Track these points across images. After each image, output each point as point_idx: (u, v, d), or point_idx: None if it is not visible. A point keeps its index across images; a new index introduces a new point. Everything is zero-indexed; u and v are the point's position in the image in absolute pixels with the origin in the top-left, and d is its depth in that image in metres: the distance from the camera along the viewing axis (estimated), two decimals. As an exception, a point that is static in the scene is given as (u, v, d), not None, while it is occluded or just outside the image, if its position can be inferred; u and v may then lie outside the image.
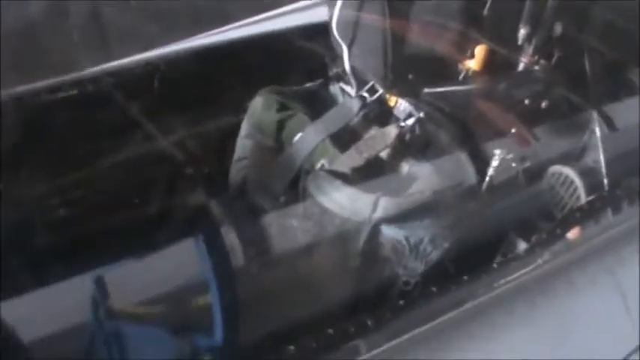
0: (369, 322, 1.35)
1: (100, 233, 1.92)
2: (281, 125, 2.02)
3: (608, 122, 1.99)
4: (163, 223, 2.04)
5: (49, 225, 1.94)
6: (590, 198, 1.78)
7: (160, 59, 2.21)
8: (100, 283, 1.65)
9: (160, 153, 2.14)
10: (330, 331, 1.32)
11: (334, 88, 2.09)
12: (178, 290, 1.68)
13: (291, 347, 1.28)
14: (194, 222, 2.01)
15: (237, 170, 2.11)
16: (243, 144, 2.10)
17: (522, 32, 1.82)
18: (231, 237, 1.78)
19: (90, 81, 2.12)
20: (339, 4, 1.80)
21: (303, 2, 2.65)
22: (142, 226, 1.94)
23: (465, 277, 1.48)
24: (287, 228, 1.80)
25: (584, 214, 1.70)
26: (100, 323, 1.62)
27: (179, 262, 1.74)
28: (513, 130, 1.86)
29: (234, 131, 2.13)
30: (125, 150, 2.10)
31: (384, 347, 1.33)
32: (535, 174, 1.89)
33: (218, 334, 1.63)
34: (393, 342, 1.35)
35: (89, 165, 2.03)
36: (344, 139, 1.89)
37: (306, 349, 1.29)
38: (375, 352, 1.32)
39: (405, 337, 1.36)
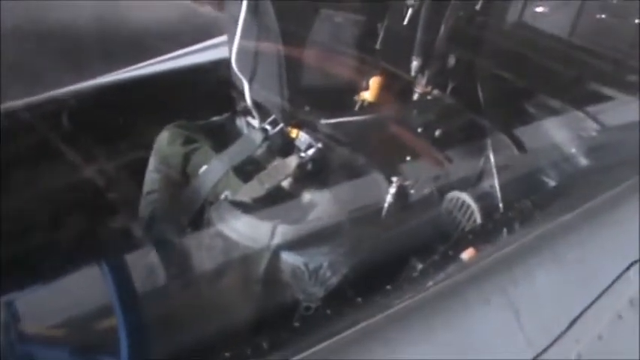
0: (264, 344, 1.37)
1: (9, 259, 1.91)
2: (187, 158, 2.05)
3: (503, 148, 2.06)
4: (72, 249, 2.04)
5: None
6: (483, 220, 1.84)
7: (68, 95, 2.23)
8: (10, 308, 1.65)
9: (68, 184, 2.14)
10: (227, 354, 1.34)
11: (240, 122, 2.14)
12: (85, 313, 1.69)
13: None
14: (101, 249, 2.02)
15: (147, 203, 2.13)
16: (151, 178, 2.12)
17: (415, 64, 1.88)
18: (142, 263, 1.79)
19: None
20: (236, 40, 1.84)
21: (208, 42, 2.69)
22: (52, 253, 1.94)
23: (360, 300, 1.52)
24: (191, 257, 1.82)
25: (477, 236, 1.75)
26: (11, 346, 1.63)
27: (86, 286, 1.75)
28: (408, 158, 1.91)
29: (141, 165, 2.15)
30: (31, 180, 2.09)
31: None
32: (434, 200, 1.95)
33: (123, 357, 1.64)
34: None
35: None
36: (247, 170, 1.93)
37: None
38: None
39: (302, 355, 1.38)
